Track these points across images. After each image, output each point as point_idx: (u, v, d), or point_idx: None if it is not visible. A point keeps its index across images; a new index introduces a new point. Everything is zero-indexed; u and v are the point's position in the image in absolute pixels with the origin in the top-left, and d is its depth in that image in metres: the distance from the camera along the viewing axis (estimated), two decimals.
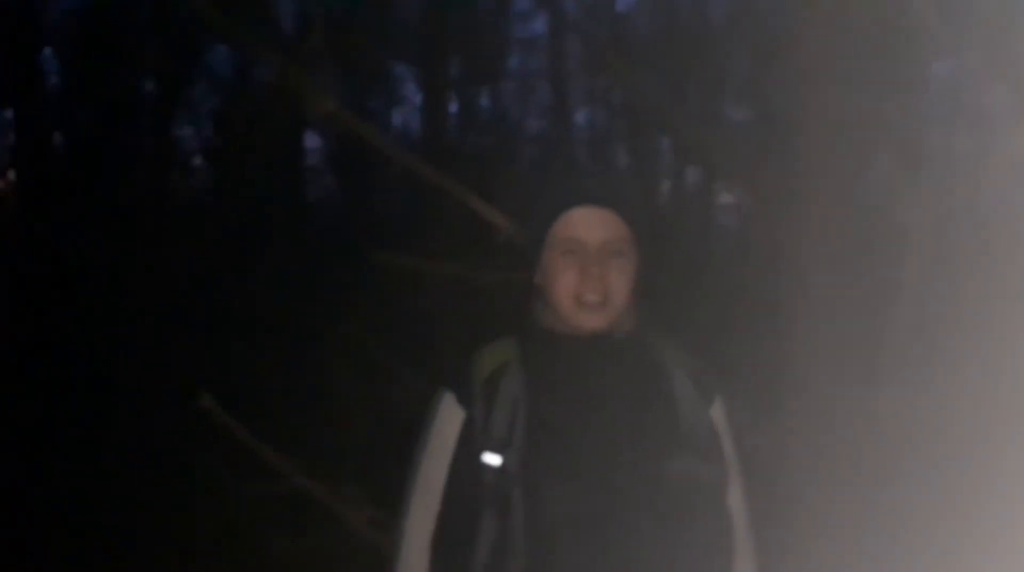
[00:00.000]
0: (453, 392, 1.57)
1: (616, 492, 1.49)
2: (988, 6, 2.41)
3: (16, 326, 8.36)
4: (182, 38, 12.49)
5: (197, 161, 14.84)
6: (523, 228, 1.67)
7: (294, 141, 13.40)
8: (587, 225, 1.51)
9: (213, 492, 3.74)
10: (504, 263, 2.36)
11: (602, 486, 1.48)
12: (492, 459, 1.49)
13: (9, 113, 12.64)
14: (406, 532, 1.58)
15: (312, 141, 14.47)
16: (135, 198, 11.67)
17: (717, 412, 1.63)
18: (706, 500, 1.55)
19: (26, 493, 5.59)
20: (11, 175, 12.45)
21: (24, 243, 10.64)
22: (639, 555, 1.49)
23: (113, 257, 9.55)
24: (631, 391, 1.55)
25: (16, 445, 6.21)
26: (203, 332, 7.89)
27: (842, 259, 2.45)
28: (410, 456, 1.61)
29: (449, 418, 1.56)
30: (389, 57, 15.19)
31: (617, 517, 1.48)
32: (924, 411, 2.42)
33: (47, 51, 13.15)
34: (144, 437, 5.90)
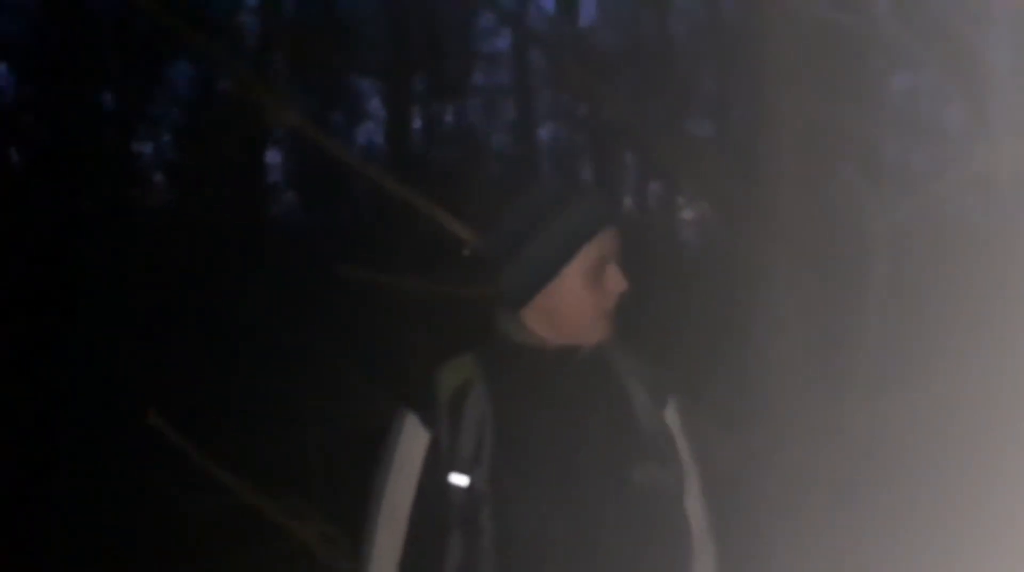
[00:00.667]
0: (416, 413, 1.54)
1: (584, 506, 1.48)
2: (947, 20, 2.45)
3: None
4: (143, 52, 12.36)
5: (158, 177, 14.67)
6: (528, 250, 1.64)
7: (256, 157, 13.29)
8: (612, 244, 1.57)
9: (165, 508, 3.69)
10: (466, 278, 2.33)
11: (570, 501, 1.48)
12: (459, 480, 1.47)
13: None
14: (372, 558, 1.54)
15: (273, 157, 14.38)
16: (94, 214, 11.50)
17: (671, 413, 1.64)
18: (667, 505, 1.56)
19: None
20: None
21: None
22: (606, 566, 1.48)
23: (72, 273, 9.39)
24: (592, 403, 1.55)
25: None
26: (162, 347, 7.78)
27: (806, 269, 2.46)
28: (372, 479, 1.57)
29: (413, 440, 1.53)
30: (353, 72, 15.16)
31: (585, 531, 1.47)
32: (891, 417, 2.43)
33: (2, 65, 12.93)
34: (96, 454, 5.81)
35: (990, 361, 2.31)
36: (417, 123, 15.14)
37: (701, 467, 1.68)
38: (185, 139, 13.59)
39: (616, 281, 1.56)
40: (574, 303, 1.54)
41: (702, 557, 1.63)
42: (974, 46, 2.43)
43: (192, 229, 10.84)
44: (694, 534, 1.61)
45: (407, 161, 12.59)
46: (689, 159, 2.96)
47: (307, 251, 10.65)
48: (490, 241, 1.66)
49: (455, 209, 2.55)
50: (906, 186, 2.54)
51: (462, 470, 1.47)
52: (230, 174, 11.82)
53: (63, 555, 4.89)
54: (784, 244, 2.47)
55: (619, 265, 1.57)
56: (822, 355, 2.43)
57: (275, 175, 14.88)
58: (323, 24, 13.38)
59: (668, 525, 1.55)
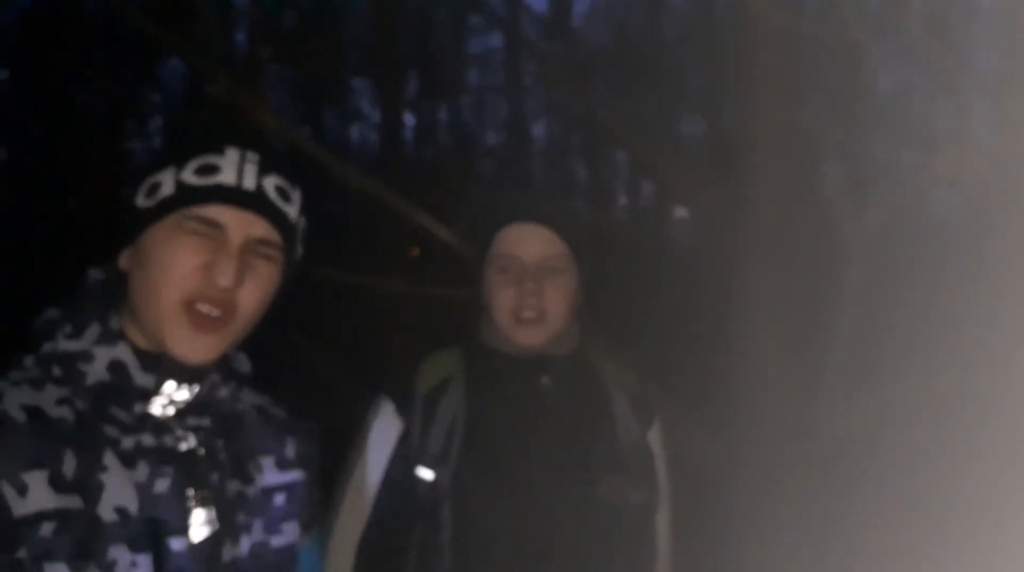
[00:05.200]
0: (392, 403, 1.56)
1: (545, 512, 1.48)
2: (922, 22, 2.47)
3: None
4: (133, 50, 12.34)
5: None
6: (469, 246, 1.67)
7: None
8: (522, 242, 1.51)
9: None
10: (451, 278, 2.35)
11: (532, 505, 1.48)
12: (425, 473, 1.49)
13: None
14: (335, 534, 1.55)
15: None
16: (84, 212, 11.46)
17: (655, 434, 1.63)
18: (634, 522, 1.55)
19: None
20: None
21: None
22: None
23: (62, 272, 9.36)
24: (569, 413, 1.54)
25: None
26: None
27: (789, 272, 2.49)
28: (344, 459, 1.59)
29: (386, 428, 1.55)
30: (346, 72, 15.15)
31: (544, 536, 1.48)
32: (867, 415, 2.46)
33: None
34: None
35: (964, 359, 2.34)
36: (410, 121, 15.16)
37: (680, 466, 1.68)
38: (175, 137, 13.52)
39: (524, 280, 1.49)
40: (492, 301, 1.53)
41: None
42: (952, 50, 2.46)
43: None
44: (658, 554, 1.62)
45: (400, 159, 12.58)
46: (678, 160, 2.98)
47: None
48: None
49: (448, 208, 2.56)
50: (884, 186, 2.57)
51: (429, 465, 1.49)
52: None
53: None
54: (764, 245, 2.50)
55: (549, 265, 1.50)
56: (799, 354, 2.46)
57: None
58: (315, 24, 13.36)
59: (632, 541, 1.54)
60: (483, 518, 1.47)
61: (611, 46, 14.88)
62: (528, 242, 1.51)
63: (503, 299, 1.51)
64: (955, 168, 2.40)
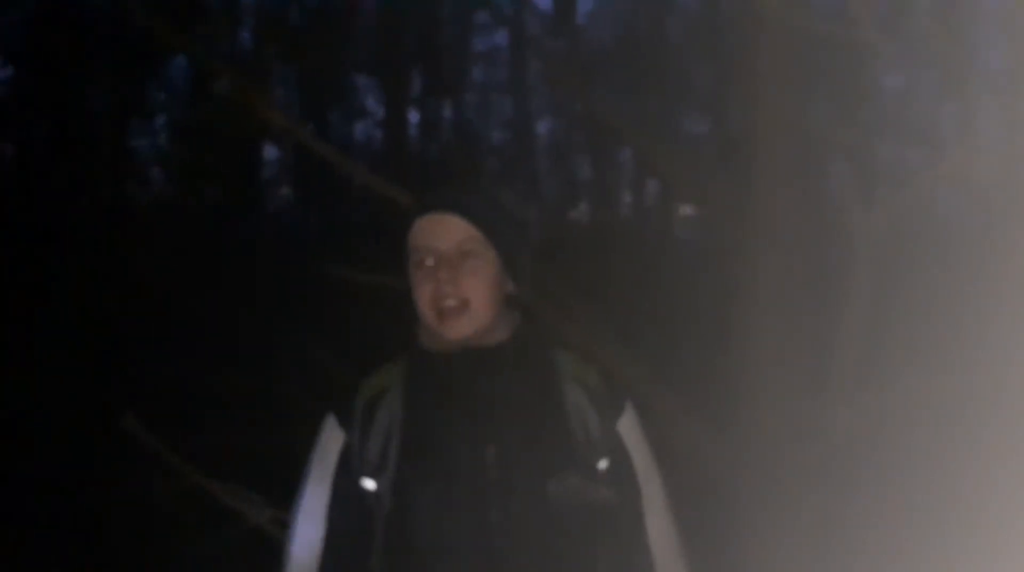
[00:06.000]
0: (335, 415, 1.53)
1: (493, 518, 1.43)
2: (929, 21, 2.47)
3: None
4: (138, 47, 12.38)
5: (154, 172, 14.67)
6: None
7: (253, 152, 13.31)
8: (432, 232, 1.47)
9: (126, 494, 3.70)
10: None
11: (475, 511, 1.43)
12: (369, 484, 1.47)
13: None
14: (292, 556, 1.53)
15: (271, 152, 14.39)
16: (90, 209, 11.50)
17: (626, 424, 1.55)
18: (609, 524, 1.48)
19: None
20: None
21: None
22: None
23: (68, 269, 9.41)
24: (510, 405, 1.48)
25: None
26: (154, 342, 7.79)
27: (794, 271, 2.49)
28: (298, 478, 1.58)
29: (330, 441, 1.53)
30: (351, 69, 15.18)
31: (494, 545, 1.43)
32: (873, 417, 2.46)
33: None
34: (81, 440, 5.82)
35: (966, 359, 2.34)
36: (415, 118, 15.18)
37: (685, 470, 1.62)
38: (181, 134, 13.60)
39: (439, 269, 1.45)
40: (416, 298, 1.49)
41: None
42: (960, 49, 2.45)
43: (187, 224, 10.85)
44: (654, 552, 1.54)
45: (404, 157, 12.61)
46: (683, 157, 2.98)
47: (301, 247, 10.67)
48: None
49: None
50: (891, 187, 2.57)
51: (370, 475, 1.47)
52: (226, 170, 11.84)
53: (31, 538, 4.91)
54: (769, 244, 2.49)
55: (463, 250, 1.46)
56: (803, 354, 2.45)
57: (272, 171, 14.92)
58: (319, 21, 13.39)
59: (611, 545, 1.48)
60: (426, 526, 1.43)
61: (616, 44, 14.87)
62: (438, 231, 1.47)
63: (423, 294, 1.47)
64: (962, 168, 2.39)
